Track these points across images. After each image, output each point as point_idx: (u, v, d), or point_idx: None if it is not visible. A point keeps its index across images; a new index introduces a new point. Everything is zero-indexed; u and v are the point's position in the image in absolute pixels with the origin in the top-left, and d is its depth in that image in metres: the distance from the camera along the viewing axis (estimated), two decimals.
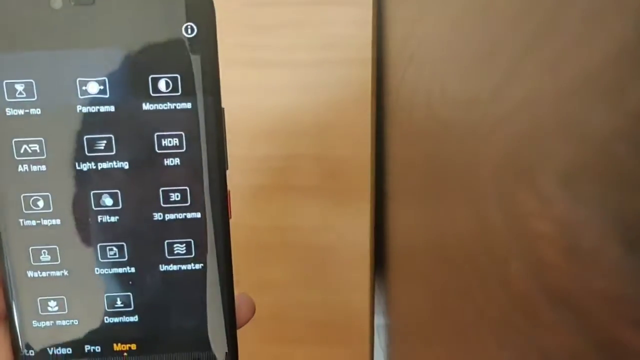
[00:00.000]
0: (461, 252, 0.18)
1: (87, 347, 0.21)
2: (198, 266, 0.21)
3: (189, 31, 0.19)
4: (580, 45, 0.10)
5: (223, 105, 0.20)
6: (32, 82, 0.19)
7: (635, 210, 0.08)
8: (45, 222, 0.20)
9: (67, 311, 0.21)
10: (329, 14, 0.35)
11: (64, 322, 0.21)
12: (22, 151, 0.20)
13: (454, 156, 0.19)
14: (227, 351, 0.21)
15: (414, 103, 0.26)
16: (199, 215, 0.21)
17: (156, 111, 0.20)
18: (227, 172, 0.21)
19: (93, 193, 0.20)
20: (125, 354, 0.21)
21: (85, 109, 0.19)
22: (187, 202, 0.20)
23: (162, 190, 0.20)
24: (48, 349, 0.21)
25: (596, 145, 0.09)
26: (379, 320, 0.43)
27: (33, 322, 0.21)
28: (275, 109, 0.36)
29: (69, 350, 0.21)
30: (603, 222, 0.09)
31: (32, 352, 0.21)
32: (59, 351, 0.21)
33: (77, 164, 0.20)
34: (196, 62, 0.19)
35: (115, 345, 0.21)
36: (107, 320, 0.21)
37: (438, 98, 0.21)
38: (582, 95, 0.10)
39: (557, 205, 0.11)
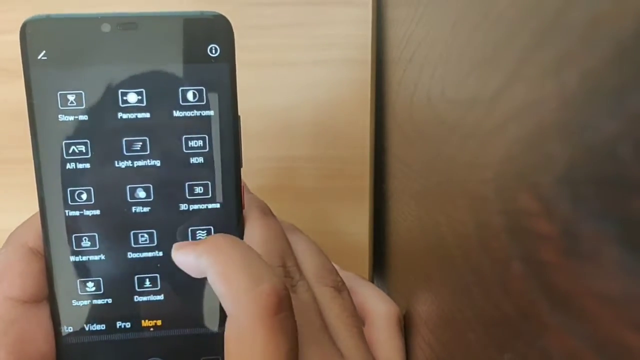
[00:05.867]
0: (461, 253, 0.18)
1: (118, 324, 0.24)
2: None
3: (213, 51, 0.22)
4: (582, 47, 0.10)
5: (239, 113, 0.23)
6: (81, 92, 0.22)
7: (636, 211, 0.08)
8: (87, 212, 0.23)
9: (102, 291, 0.23)
10: (329, 14, 0.35)
11: (99, 301, 0.23)
12: (70, 151, 0.22)
13: (455, 157, 0.19)
14: None
15: (413, 103, 0.26)
16: (218, 205, 0.23)
17: (184, 117, 0.23)
18: (242, 169, 0.24)
19: (129, 187, 0.23)
20: (151, 329, 0.24)
21: (125, 115, 0.22)
22: (208, 195, 0.23)
23: (188, 185, 0.23)
24: (85, 325, 0.23)
25: (597, 146, 0.09)
26: None
27: (73, 301, 0.23)
28: (275, 109, 0.36)
29: (102, 327, 0.23)
30: (604, 223, 0.09)
31: (70, 329, 0.23)
32: (94, 327, 0.23)
33: (116, 162, 0.23)
34: (218, 77, 0.23)
35: (143, 321, 0.24)
36: (136, 299, 0.24)
37: (438, 99, 0.21)
38: (583, 97, 0.10)
39: (558, 207, 0.11)
